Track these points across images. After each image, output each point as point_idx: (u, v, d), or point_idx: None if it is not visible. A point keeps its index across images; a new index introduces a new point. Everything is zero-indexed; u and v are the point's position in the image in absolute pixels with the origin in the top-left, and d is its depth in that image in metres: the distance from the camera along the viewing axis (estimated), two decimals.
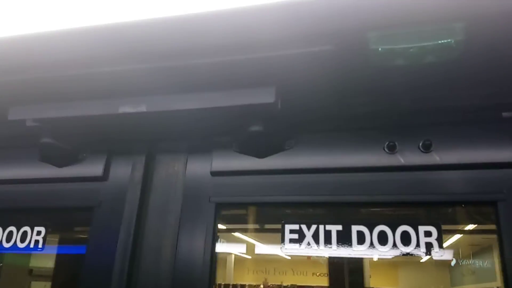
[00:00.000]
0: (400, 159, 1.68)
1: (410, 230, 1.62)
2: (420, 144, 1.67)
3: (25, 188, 2.08)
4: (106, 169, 1.99)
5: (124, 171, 1.98)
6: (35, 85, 1.72)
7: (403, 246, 1.61)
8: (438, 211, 1.69)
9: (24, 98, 1.81)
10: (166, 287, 1.74)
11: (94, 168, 1.99)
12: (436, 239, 1.59)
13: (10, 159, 2.13)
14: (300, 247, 1.70)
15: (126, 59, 1.59)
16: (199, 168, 1.93)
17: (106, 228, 1.88)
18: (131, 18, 1.48)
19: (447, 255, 1.63)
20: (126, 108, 1.72)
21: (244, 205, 1.88)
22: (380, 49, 1.39)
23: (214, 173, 1.89)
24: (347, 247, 1.65)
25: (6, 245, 2.03)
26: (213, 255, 1.76)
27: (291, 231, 1.73)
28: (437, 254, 1.58)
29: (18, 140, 2.07)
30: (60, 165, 2.04)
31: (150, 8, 1.47)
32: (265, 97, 1.56)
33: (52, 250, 2.07)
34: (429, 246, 1.59)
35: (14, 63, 1.66)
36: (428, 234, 1.60)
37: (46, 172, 2.04)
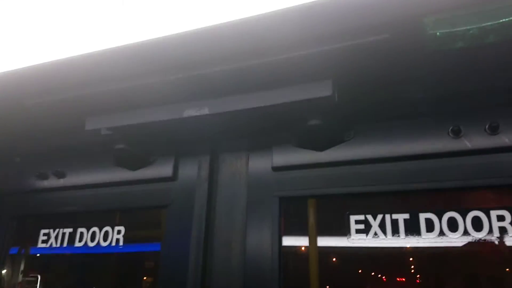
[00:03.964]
0: (466, 143, 1.63)
1: (482, 215, 1.58)
2: (487, 126, 1.61)
3: (104, 191, 2.26)
4: (175, 170, 2.12)
5: (191, 171, 2.10)
6: (107, 97, 1.87)
7: (475, 232, 1.57)
8: (511, 195, 1.63)
9: (98, 109, 1.97)
10: (238, 280, 1.82)
11: (164, 170, 2.13)
12: (511, 223, 1.53)
13: (89, 166, 2.33)
14: (367, 237, 1.71)
15: (188, 67, 1.69)
16: (260, 164, 2.00)
17: (179, 224, 2.00)
18: (188, 27, 1.57)
19: None
20: (190, 112, 1.82)
21: (307, 198, 1.91)
22: (438, 33, 1.37)
23: (275, 168, 1.94)
24: (416, 235, 1.64)
25: (90, 244, 2.23)
26: (281, 246, 1.81)
27: (357, 222, 1.74)
28: None
29: (95, 148, 2.26)
30: (133, 168, 2.20)
31: (205, 15, 1.55)
32: (322, 90, 1.59)
33: (131, 248, 2.22)
34: (503, 231, 1.54)
35: (87, 77, 1.81)
36: (501, 218, 1.55)
37: (121, 176, 2.21)
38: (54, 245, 2.32)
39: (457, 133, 1.65)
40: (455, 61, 1.56)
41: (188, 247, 1.92)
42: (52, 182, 2.39)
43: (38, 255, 2.51)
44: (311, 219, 1.91)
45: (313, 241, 1.89)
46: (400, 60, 1.56)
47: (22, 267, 2.54)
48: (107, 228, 2.22)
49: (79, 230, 2.29)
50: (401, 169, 1.72)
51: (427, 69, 1.62)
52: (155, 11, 1.69)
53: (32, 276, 2.52)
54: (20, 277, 2.51)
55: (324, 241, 1.90)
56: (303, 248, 1.91)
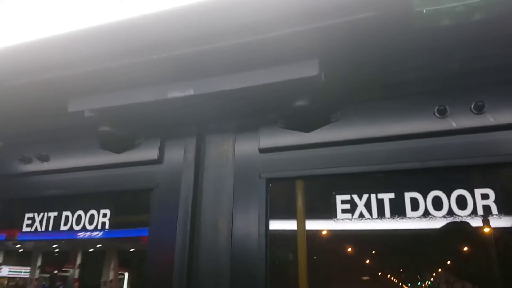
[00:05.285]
0: (452, 123, 1.64)
1: (466, 194, 1.59)
2: (472, 106, 1.62)
3: (89, 175, 2.23)
4: (161, 153, 2.10)
5: (178, 153, 2.08)
6: (90, 77, 1.83)
7: (460, 211, 1.59)
8: (495, 173, 1.64)
9: (81, 90, 1.93)
10: (225, 261, 1.82)
11: (150, 152, 2.11)
12: (494, 202, 1.55)
13: (74, 149, 2.29)
14: (352, 217, 1.72)
15: (172, 46, 1.65)
16: (247, 146, 1.99)
17: (166, 207, 1.99)
18: (173, 4, 1.53)
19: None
20: (175, 93, 1.79)
21: (294, 179, 1.91)
22: (424, 10, 1.36)
23: (262, 150, 1.94)
24: (401, 214, 1.65)
25: (76, 227, 2.21)
26: (267, 227, 1.81)
27: (343, 202, 1.75)
28: (496, 217, 1.54)
29: (79, 130, 2.22)
30: (118, 151, 2.17)
31: None
32: (309, 70, 1.57)
33: (116, 234, 2.21)
34: (487, 209, 1.56)
35: (69, 57, 1.77)
36: (485, 196, 1.57)
37: (107, 159, 2.18)
38: (38, 229, 2.29)
39: (443, 113, 1.65)
40: (441, 39, 1.56)
41: (175, 229, 1.91)
42: (36, 165, 2.35)
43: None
44: (298, 200, 1.92)
45: (300, 221, 1.89)
46: (386, 39, 1.54)
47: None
48: (93, 211, 2.20)
49: (64, 213, 2.26)
50: (388, 149, 1.72)
51: (413, 48, 1.61)
52: None
53: None
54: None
55: (311, 221, 1.90)
56: (289, 228, 1.91)
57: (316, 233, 1.90)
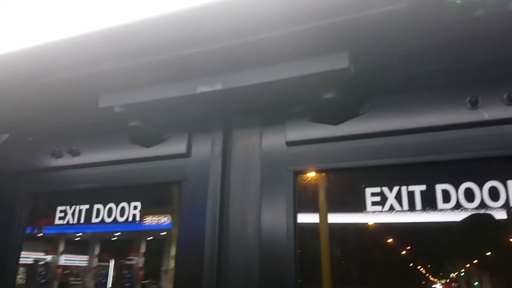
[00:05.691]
0: (484, 114, 1.62)
1: (499, 185, 1.58)
2: (505, 96, 1.60)
3: (119, 169, 2.28)
4: (189, 146, 2.13)
5: (205, 147, 2.11)
6: (120, 74, 1.87)
7: (492, 202, 1.58)
8: None
9: (111, 86, 1.97)
10: (254, 252, 1.84)
11: (178, 146, 2.14)
12: None
13: (103, 143, 2.34)
14: (382, 209, 1.72)
15: (200, 41, 1.67)
16: (274, 139, 2.00)
17: (195, 199, 2.02)
18: (200, 1, 1.55)
19: None
20: (204, 88, 1.81)
21: (322, 172, 1.91)
22: (458, 1, 1.34)
23: (289, 143, 1.95)
24: (432, 206, 1.65)
25: (107, 220, 2.27)
26: (296, 219, 1.83)
27: (373, 194, 1.75)
28: None
29: (109, 126, 2.27)
30: (147, 145, 2.21)
31: None
32: (339, 62, 1.57)
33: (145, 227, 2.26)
34: None
35: (100, 54, 1.80)
36: None
37: (136, 153, 2.23)
38: (71, 222, 2.36)
39: (474, 104, 1.63)
40: (473, 30, 1.54)
41: (204, 220, 1.95)
42: (67, 160, 2.41)
43: None
44: (326, 193, 1.93)
45: (323, 215, 1.90)
46: (417, 30, 1.53)
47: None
48: (124, 204, 2.25)
49: (96, 206, 2.32)
50: (418, 141, 1.71)
51: (444, 39, 1.60)
52: None
53: None
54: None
55: (338, 214, 1.92)
56: (317, 222, 1.93)
57: (345, 226, 1.91)
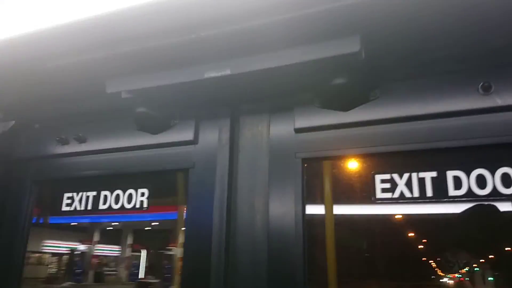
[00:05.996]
0: (496, 100, 1.59)
1: (511, 172, 1.55)
2: None
3: (126, 155, 2.27)
4: (196, 133, 2.12)
5: (212, 134, 2.09)
6: (127, 59, 1.85)
7: (504, 189, 1.56)
8: None
9: (118, 72, 1.95)
10: (262, 239, 1.84)
11: (186, 133, 2.13)
12: None
13: (110, 130, 2.33)
14: (392, 196, 1.71)
15: (207, 25, 1.65)
16: (282, 126, 1.98)
17: (202, 187, 2.01)
18: None
19: None
20: (212, 73, 1.79)
21: (331, 159, 1.90)
22: None
23: (298, 130, 1.93)
24: (443, 193, 1.63)
25: (114, 206, 2.26)
26: (304, 207, 1.82)
27: (383, 181, 1.73)
28: None
29: (116, 112, 2.25)
30: (154, 132, 2.20)
31: None
32: (350, 46, 1.55)
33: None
34: None
35: (107, 38, 1.78)
36: None
37: (143, 140, 2.22)
38: (78, 208, 2.36)
39: (487, 90, 1.61)
40: (486, 13, 1.50)
41: (212, 207, 1.94)
42: (73, 147, 2.41)
43: None
44: (335, 179, 1.91)
45: (330, 203, 1.89)
46: (429, 14, 1.50)
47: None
48: (131, 190, 2.25)
49: (103, 193, 2.31)
50: (429, 127, 1.69)
51: (457, 24, 1.56)
52: None
53: None
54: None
55: (347, 201, 1.90)
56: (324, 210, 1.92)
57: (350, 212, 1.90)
